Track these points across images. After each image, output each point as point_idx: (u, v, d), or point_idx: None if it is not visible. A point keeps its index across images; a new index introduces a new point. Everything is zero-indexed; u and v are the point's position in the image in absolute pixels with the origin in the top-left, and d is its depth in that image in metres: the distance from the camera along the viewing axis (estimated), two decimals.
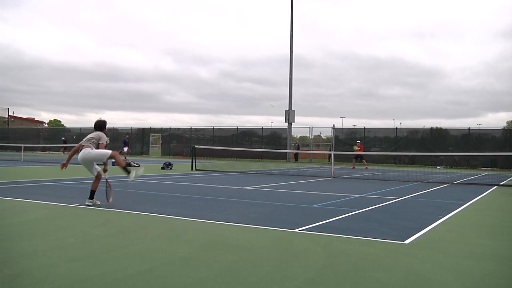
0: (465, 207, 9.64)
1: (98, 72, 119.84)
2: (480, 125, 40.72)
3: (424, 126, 35.05)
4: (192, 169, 21.30)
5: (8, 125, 63.17)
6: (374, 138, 35.66)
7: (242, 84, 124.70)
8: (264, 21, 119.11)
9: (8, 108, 69.31)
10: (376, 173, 22.08)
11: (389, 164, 32.46)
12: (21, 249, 5.10)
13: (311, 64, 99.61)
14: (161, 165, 22.39)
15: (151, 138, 44.86)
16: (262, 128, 39.64)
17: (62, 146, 37.50)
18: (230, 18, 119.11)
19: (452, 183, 16.55)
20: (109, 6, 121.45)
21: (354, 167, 27.09)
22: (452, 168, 29.38)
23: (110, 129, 46.74)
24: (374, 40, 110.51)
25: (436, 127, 34.65)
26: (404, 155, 32.20)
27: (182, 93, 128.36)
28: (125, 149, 32.67)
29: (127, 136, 35.48)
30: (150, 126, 45.51)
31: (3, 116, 67.10)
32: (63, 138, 36.53)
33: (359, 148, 26.51)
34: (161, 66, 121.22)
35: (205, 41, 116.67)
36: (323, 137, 44.96)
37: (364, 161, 27.55)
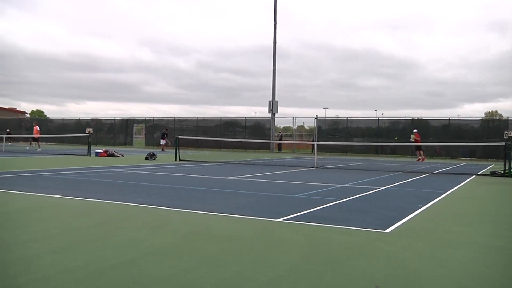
0: (444, 196, 9.81)
1: (75, 62, 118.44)
2: (460, 116, 41.28)
3: (405, 117, 35.45)
4: (176, 159, 21.24)
5: None
6: (357, 129, 35.97)
7: (221, 75, 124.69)
8: (238, 12, 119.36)
9: None
10: (358, 163, 22.30)
11: (371, 154, 32.79)
12: (3, 240, 5.07)
13: (287, 54, 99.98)
14: (145, 155, 22.28)
15: (134, 128, 44.55)
16: (245, 119, 39.68)
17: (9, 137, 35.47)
18: (204, 9, 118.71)
19: (432, 173, 16.82)
20: None
21: (420, 159, 24.97)
22: (432, 158, 29.80)
23: (93, 120, 46.31)
24: (348, 31, 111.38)
25: (418, 118, 35.07)
26: (386, 145, 32.52)
27: (162, 83, 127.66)
28: (162, 141, 32.39)
29: (166, 129, 35.04)
30: (133, 116, 45.13)
31: None
32: (7, 130, 35.13)
33: (417, 138, 24.37)
34: (139, 56, 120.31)
35: (181, 31, 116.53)
36: (306, 127, 45.23)
37: (421, 152, 25.33)
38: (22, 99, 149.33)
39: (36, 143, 30.82)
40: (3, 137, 30.64)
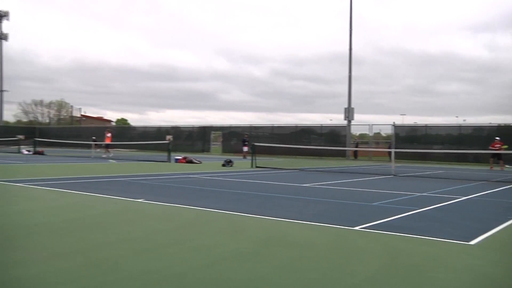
0: None
1: (155, 72, 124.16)
2: None
3: (490, 124, 33.35)
4: (252, 166, 21.54)
5: (80, 123, 66.76)
6: (436, 136, 34.51)
7: (295, 82, 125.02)
8: (312, 19, 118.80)
9: (80, 108, 73.36)
10: (438, 172, 21.34)
11: (451, 162, 31.22)
12: (94, 241, 5.42)
13: (362, 61, 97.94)
14: (222, 162, 22.81)
15: (212, 135, 45.73)
16: (321, 126, 39.45)
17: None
18: (277, 18, 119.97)
19: None
20: (157, 8, 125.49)
21: (492, 168, 24.75)
22: None
23: (173, 127, 48.13)
24: (425, 35, 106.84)
25: (504, 124, 32.89)
26: (468, 153, 30.79)
27: (237, 91, 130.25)
28: (245, 148, 32.42)
29: (247, 135, 35.70)
30: (210, 124, 46.39)
31: (76, 115, 71.00)
32: (93, 137, 36.76)
33: (498, 145, 23.67)
34: (215, 65, 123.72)
35: (255, 40, 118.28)
36: (383, 134, 44.07)
37: (501, 161, 24.72)
38: (108, 108, 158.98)
39: (107, 149, 32.49)
40: (91, 144, 32.66)
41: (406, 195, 10.97)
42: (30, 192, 10.09)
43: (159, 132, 47.02)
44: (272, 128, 41.52)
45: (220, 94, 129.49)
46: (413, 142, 34.13)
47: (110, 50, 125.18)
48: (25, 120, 78.34)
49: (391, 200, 9.94)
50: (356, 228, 6.49)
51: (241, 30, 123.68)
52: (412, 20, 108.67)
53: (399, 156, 30.42)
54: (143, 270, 4.21)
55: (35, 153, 31.23)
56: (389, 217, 7.44)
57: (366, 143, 42.54)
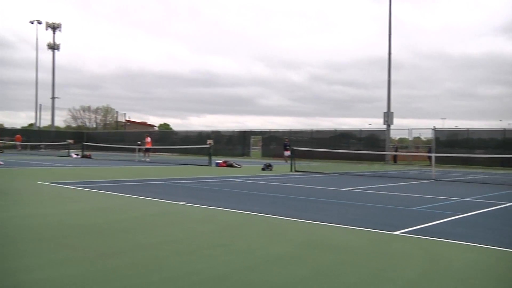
0: None
1: (196, 78, 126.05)
2: None
3: None
4: (291, 170, 21.56)
5: (125, 128, 68.65)
6: (479, 140, 33.49)
7: (333, 87, 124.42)
8: (348, 24, 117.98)
9: (125, 113, 75.46)
10: (481, 177, 20.69)
11: (495, 167, 30.14)
12: (138, 241, 5.62)
13: (400, 65, 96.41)
14: (262, 166, 22.93)
15: (251, 140, 46.00)
16: (360, 130, 39.15)
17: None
18: (314, 23, 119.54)
19: None
20: (197, 16, 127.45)
21: None
22: None
23: (213, 132, 48.71)
24: (465, 37, 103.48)
25: None
26: None
27: (276, 96, 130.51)
28: (287, 153, 31.90)
29: (287, 140, 35.71)
30: (250, 128, 46.65)
31: (121, 120, 73.09)
32: (138, 142, 37.36)
33: None
34: (254, 71, 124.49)
35: (293, 46, 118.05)
36: (423, 139, 43.19)
37: None
38: (151, 114, 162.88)
39: (147, 153, 33.21)
40: (136, 148, 33.50)
41: (448, 200, 10.74)
42: (78, 193, 10.52)
43: (200, 137, 47.69)
44: (311, 132, 41.42)
45: (259, 99, 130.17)
46: (454, 147, 33.30)
47: (153, 57, 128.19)
48: (74, 125, 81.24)
49: (431, 205, 9.76)
50: (396, 232, 6.44)
51: (279, 36, 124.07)
52: (452, 22, 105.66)
53: (440, 161, 29.68)
54: (186, 271, 4.35)
55: (83, 156, 32.36)
56: (430, 222, 7.33)
57: (406, 147, 41.81)
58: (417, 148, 42.89)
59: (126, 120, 73.88)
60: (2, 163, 21.36)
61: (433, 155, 22.93)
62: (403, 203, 10.05)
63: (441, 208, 9.29)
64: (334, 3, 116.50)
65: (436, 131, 34.33)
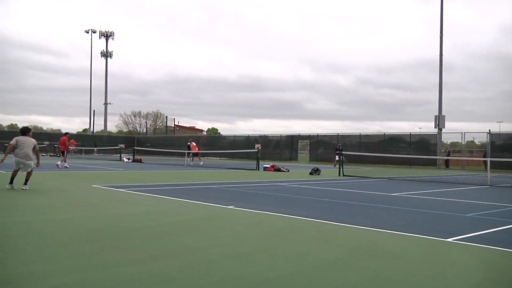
0: None
1: (243, 83, 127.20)
2: None
3: None
4: (339, 174, 21.29)
5: (174, 133, 70.21)
6: None
7: (381, 91, 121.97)
8: (396, 26, 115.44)
9: (174, 118, 77.25)
10: None
11: None
12: (188, 245, 5.70)
13: (451, 67, 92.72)
14: (310, 170, 22.79)
15: (299, 144, 45.84)
16: (410, 134, 38.23)
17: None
18: (361, 26, 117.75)
19: None
20: (243, 21, 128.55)
21: None
22: None
23: (261, 136, 48.90)
24: None
25: None
26: None
27: (323, 100, 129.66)
28: (337, 158, 31.43)
29: (340, 144, 35.78)
30: (297, 133, 46.56)
31: (171, 125, 74.86)
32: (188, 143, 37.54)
33: None
34: (300, 75, 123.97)
35: (339, 49, 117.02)
36: (476, 143, 41.52)
37: None
38: (200, 118, 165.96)
39: (198, 157, 33.65)
40: (185, 152, 34.12)
41: (505, 206, 10.26)
42: (131, 197, 10.81)
43: (248, 141, 47.99)
44: (360, 136, 40.80)
45: (306, 103, 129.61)
46: (511, 151, 31.84)
47: (200, 63, 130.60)
48: (125, 130, 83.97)
49: (487, 211, 9.36)
50: (449, 239, 6.21)
51: (325, 39, 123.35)
52: (506, 22, 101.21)
53: (496, 166, 28.49)
54: (235, 275, 4.37)
55: (134, 160, 33.33)
56: (486, 230, 7.02)
57: (459, 151, 40.35)
58: (471, 153, 41.31)
59: (175, 125, 75.54)
60: (68, 166, 22.55)
61: (488, 159, 22.05)
62: (456, 209, 9.69)
63: (497, 215, 8.89)
64: (381, 6, 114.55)
65: (491, 134, 33.01)
